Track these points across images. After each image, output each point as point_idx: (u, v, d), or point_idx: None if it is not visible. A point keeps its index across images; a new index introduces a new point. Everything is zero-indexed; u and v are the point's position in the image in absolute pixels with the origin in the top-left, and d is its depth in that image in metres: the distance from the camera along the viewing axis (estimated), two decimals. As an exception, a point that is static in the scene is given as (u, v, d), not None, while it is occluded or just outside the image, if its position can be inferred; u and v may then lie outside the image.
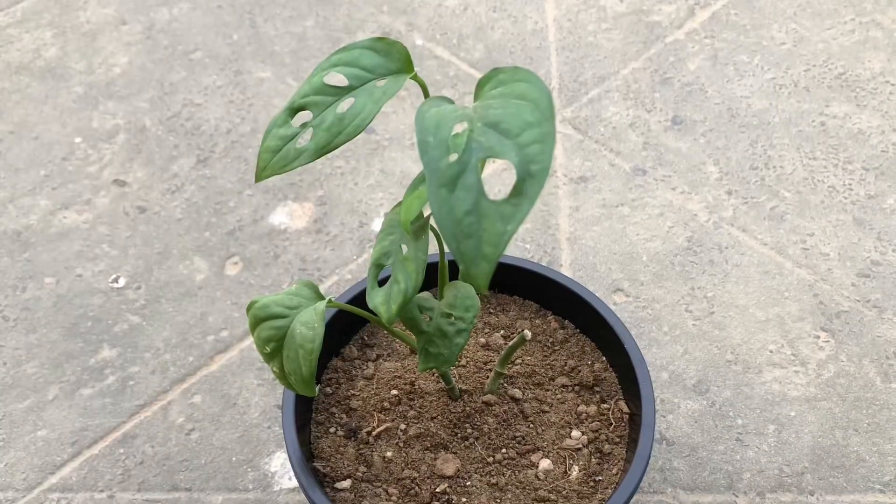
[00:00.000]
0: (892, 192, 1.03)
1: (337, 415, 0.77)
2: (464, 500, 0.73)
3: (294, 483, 0.85)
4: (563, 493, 0.73)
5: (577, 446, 0.75)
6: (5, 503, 0.85)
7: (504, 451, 0.75)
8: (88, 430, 0.89)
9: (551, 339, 0.81)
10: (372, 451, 0.75)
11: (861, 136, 1.08)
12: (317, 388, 0.78)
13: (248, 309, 0.66)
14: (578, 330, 0.82)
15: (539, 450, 0.75)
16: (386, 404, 0.77)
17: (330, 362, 0.80)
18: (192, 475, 0.86)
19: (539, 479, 0.73)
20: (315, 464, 0.74)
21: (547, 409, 0.77)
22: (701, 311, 0.95)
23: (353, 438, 0.76)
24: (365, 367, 0.80)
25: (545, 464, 0.74)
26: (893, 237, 0.99)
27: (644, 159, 1.07)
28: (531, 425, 0.76)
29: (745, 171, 1.05)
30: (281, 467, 0.86)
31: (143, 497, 0.85)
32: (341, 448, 0.75)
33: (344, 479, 0.73)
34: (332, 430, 0.76)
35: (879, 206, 1.02)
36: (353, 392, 0.78)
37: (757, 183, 1.04)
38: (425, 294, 0.69)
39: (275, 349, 0.65)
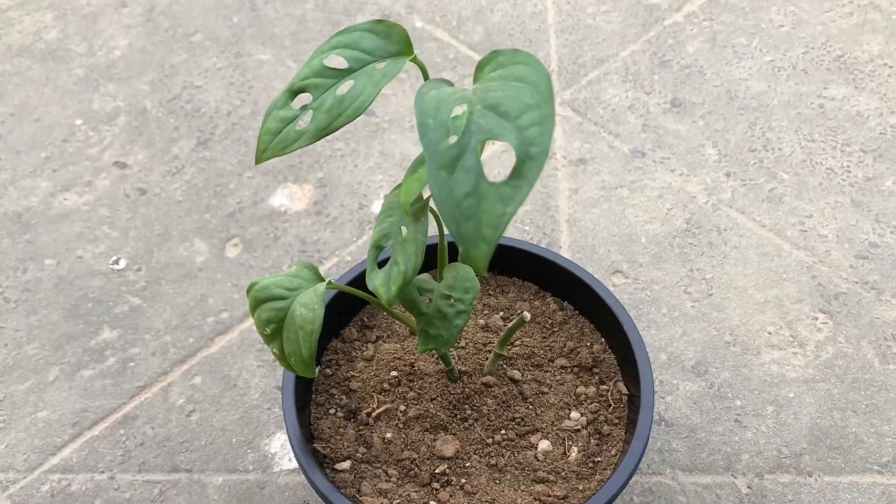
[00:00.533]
0: (889, 174, 1.03)
1: (337, 396, 0.77)
2: (463, 480, 0.73)
3: (294, 464, 0.86)
4: (562, 473, 0.73)
5: (576, 427, 0.75)
6: (6, 484, 0.85)
7: (503, 432, 0.75)
8: (89, 411, 0.89)
9: (550, 321, 0.81)
10: (372, 433, 0.75)
11: (859, 119, 1.08)
12: (317, 370, 0.78)
13: (249, 290, 0.66)
14: (577, 311, 0.82)
15: (538, 431, 0.75)
16: (385, 385, 0.77)
17: (330, 344, 0.80)
18: (192, 456, 0.86)
19: (538, 460, 0.74)
20: (315, 445, 0.74)
21: (546, 390, 0.77)
22: (700, 293, 0.95)
23: (352, 420, 0.76)
24: (365, 349, 0.80)
25: (544, 445, 0.74)
26: (891, 219, 1.00)
27: (643, 141, 1.07)
28: (530, 406, 0.76)
29: (743, 153, 1.05)
30: (281, 448, 0.87)
31: (143, 478, 0.85)
32: (341, 429, 0.75)
33: (344, 460, 0.74)
34: (331, 411, 0.76)
35: (877, 188, 1.02)
36: (352, 373, 0.78)
37: (755, 165, 1.04)
38: (425, 276, 0.69)
39: (275, 331, 0.65)
